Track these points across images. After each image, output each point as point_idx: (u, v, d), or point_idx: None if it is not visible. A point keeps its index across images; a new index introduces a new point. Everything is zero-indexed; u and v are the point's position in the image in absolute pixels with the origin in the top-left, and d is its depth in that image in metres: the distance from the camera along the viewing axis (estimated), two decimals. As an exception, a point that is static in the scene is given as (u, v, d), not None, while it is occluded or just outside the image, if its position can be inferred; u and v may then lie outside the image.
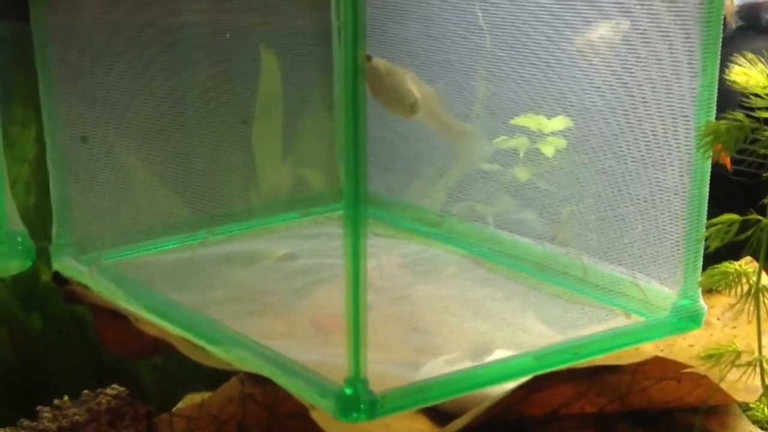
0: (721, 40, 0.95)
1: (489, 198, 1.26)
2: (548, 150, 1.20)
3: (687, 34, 0.99)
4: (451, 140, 1.22)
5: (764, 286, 0.83)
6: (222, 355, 0.92)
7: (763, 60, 0.93)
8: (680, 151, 0.98)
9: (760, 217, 0.81)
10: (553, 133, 1.19)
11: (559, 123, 1.18)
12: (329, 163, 1.39)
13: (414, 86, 1.15)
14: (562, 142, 1.18)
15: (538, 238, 1.15)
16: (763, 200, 0.93)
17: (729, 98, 1.41)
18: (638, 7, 1.05)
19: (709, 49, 0.94)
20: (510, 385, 0.94)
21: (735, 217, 0.80)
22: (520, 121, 1.21)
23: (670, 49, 1.01)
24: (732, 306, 0.91)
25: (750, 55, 0.94)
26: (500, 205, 1.26)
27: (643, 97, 1.04)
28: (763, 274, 1.01)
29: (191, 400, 1.13)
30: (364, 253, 0.84)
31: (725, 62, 0.99)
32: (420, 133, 1.31)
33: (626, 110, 1.06)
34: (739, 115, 0.83)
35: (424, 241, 1.27)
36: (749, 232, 0.80)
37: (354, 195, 0.83)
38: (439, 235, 1.28)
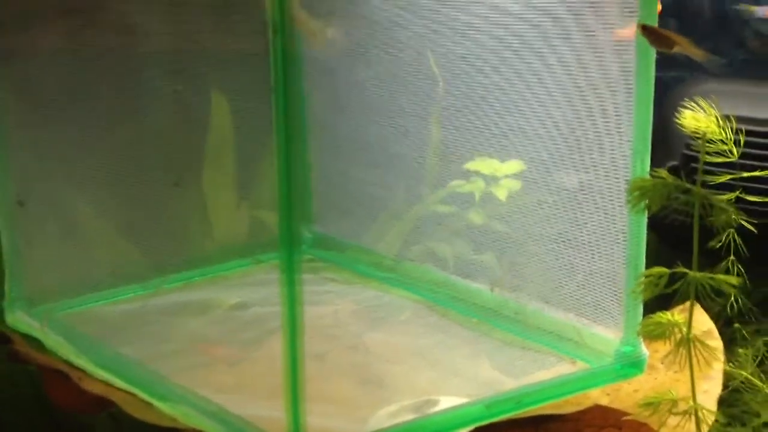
0: (653, 91, 0.98)
1: (444, 241, 1.28)
2: (501, 193, 1.22)
3: (627, 85, 1.01)
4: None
5: (695, 336, 0.85)
6: (168, 411, 0.93)
7: (712, 104, 0.95)
8: (620, 202, 1.00)
9: (686, 270, 0.82)
10: (506, 176, 1.21)
11: (513, 167, 1.20)
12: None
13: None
14: (517, 185, 1.20)
15: (489, 284, 1.17)
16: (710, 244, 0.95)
17: (678, 139, 1.45)
18: (587, 55, 1.07)
19: (642, 100, 0.96)
20: (458, 435, 0.96)
21: (663, 270, 0.82)
22: (474, 165, 1.23)
23: (613, 100, 1.04)
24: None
25: (700, 101, 0.96)
26: (455, 248, 1.27)
27: (587, 147, 1.07)
28: (698, 321, 1.03)
29: (145, 452, 1.13)
30: (301, 300, 0.84)
31: (677, 104, 1.01)
32: (377, 177, 1.33)
33: (570, 159, 1.08)
34: (663, 172, 0.85)
35: (378, 287, 1.28)
36: (677, 285, 0.82)
37: (287, 238, 0.82)
38: (394, 279, 1.29)
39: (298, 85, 1.33)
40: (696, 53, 0.94)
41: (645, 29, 0.94)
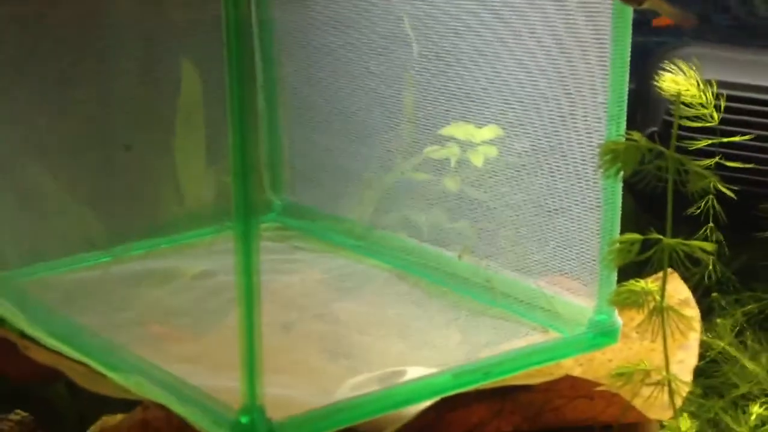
0: (629, 54, 0.94)
1: (417, 209, 1.24)
2: (477, 159, 1.19)
3: (602, 49, 0.98)
4: None
5: (669, 306, 0.82)
6: (121, 381, 0.89)
7: (693, 66, 0.91)
8: (594, 167, 0.96)
9: (660, 237, 0.79)
10: (482, 143, 1.18)
11: (489, 132, 1.17)
12: (255, 173, 1.37)
13: None
14: (493, 151, 1.17)
15: (460, 250, 1.14)
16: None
17: (659, 105, 1.41)
18: (560, 19, 1.04)
19: (618, 64, 0.93)
20: (425, 404, 0.93)
21: (636, 236, 0.79)
22: (449, 130, 1.19)
23: (586, 63, 1.00)
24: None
25: (680, 63, 0.93)
26: (428, 216, 1.24)
27: (561, 111, 1.03)
28: (675, 289, 1.00)
29: (105, 422, 1.10)
30: (257, 270, 0.80)
31: (658, 69, 0.98)
32: (349, 144, 1.29)
33: (544, 123, 1.05)
34: (636, 134, 0.81)
35: (349, 255, 1.25)
36: (650, 252, 0.79)
37: (243, 207, 0.79)
38: (365, 248, 1.26)
39: (263, 49, 1.31)
40: (666, 10, 0.91)
41: None
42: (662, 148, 0.79)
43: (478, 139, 1.17)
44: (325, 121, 1.32)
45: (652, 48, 1.44)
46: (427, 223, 1.23)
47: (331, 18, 1.26)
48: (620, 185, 0.94)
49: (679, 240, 0.79)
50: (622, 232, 1.00)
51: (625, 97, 0.97)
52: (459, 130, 1.18)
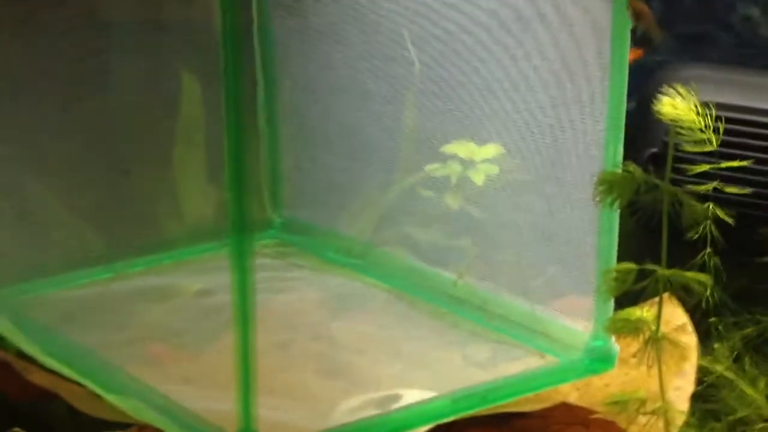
0: (626, 78, 0.94)
1: (417, 228, 1.25)
2: (478, 178, 1.19)
3: (603, 77, 0.98)
4: None
5: (665, 335, 0.82)
6: (118, 404, 0.89)
7: (691, 90, 0.92)
8: (591, 194, 0.96)
9: (656, 267, 0.79)
10: (484, 161, 1.18)
11: (491, 150, 1.17)
12: (257, 190, 1.37)
13: None
14: (494, 169, 1.17)
15: (455, 274, 1.14)
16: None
17: (659, 126, 1.41)
18: (562, 39, 1.04)
19: (615, 89, 0.93)
20: (422, 430, 0.93)
21: (631, 266, 0.79)
22: (450, 148, 1.19)
23: (588, 87, 1.00)
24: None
25: (678, 87, 0.93)
26: (428, 235, 1.24)
27: (562, 136, 1.03)
28: (671, 315, 1.00)
29: (101, 441, 1.10)
30: (253, 289, 0.80)
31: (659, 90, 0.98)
32: (349, 162, 1.30)
33: (546, 149, 1.05)
34: (632, 165, 0.81)
35: (347, 274, 1.25)
36: (645, 283, 0.79)
37: (239, 222, 0.78)
38: (363, 266, 1.26)
39: (264, 66, 1.31)
40: (655, 32, 0.91)
41: None
42: (657, 181, 0.79)
43: (479, 157, 1.17)
44: (325, 138, 1.32)
45: (653, 67, 1.44)
46: (426, 241, 1.23)
47: (332, 36, 1.26)
48: (617, 213, 0.94)
49: (674, 270, 0.80)
50: (624, 251, 1.00)
51: (623, 122, 0.97)
52: (461, 147, 1.18)
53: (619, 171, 0.81)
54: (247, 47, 1.28)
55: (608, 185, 0.77)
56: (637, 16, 0.91)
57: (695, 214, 0.78)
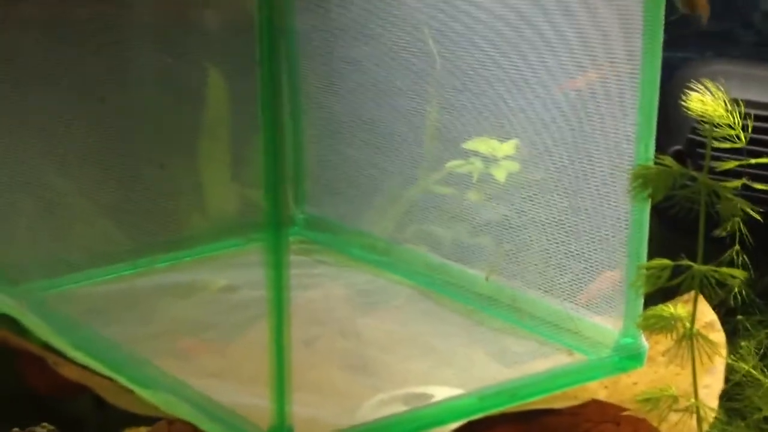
0: (659, 73, 0.94)
1: (440, 225, 1.24)
2: (500, 174, 1.18)
3: (632, 66, 0.97)
4: None
5: (698, 332, 0.81)
6: (149, 398, 0.89)
7: (720, 86, 0.91)
8: (622, 188, 0.96)
9: (691, 264, 0.79)
10: (505, 157, 1.18)
11: (512, 147, 1.16)
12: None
13: None
14: (515, 166, 1.16)
15: (484, 271, 1.13)
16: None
17: (684, 123, 1.41)
18: (590, 33, 1.03)
19: (647, 84, 0.92)
20: (451, 427, 0.92)
21: (667, 262, 0.79)
22: (472, 145, 1.19)
23: (618, 85, 1.00)
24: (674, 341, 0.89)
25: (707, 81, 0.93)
26: (452, 231, 1.24)
27: (590, 131, 1.03)
28: (700, 312, 1.00)
29: (126, 436, 1.10)
30: (288, 285, 0.80)
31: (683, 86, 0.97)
32: (372, 158, 1.29)
33: (572, 144, 1.05)
34: (668, 159, 0.81)
35: (372, 270, 1.25)
36: (681, 279, 0.79)
37: (275, 218, 0.78)
38: (387, 263, 1.26)
39: (287, 61, 1.31)
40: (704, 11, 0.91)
41: None
42: (695, 173, 0.79)
43: (500, 153, 1.17)
44: (348, 134, 1.31)
45: (676, 63, 1.43)
46: (449, 238, 1.23)
47: (355, 31, 1.26)
48: (647, 208, 0.94)
49: (710, 267, 0.79)
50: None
51: (655, 118, 0.96)
52: (482, 144, 1.18)
53: (654, 165, 0.80)
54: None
55: (643, 179, 0.77)
56: (692, 6, 0.91)
57: (733, 209, 0.77)
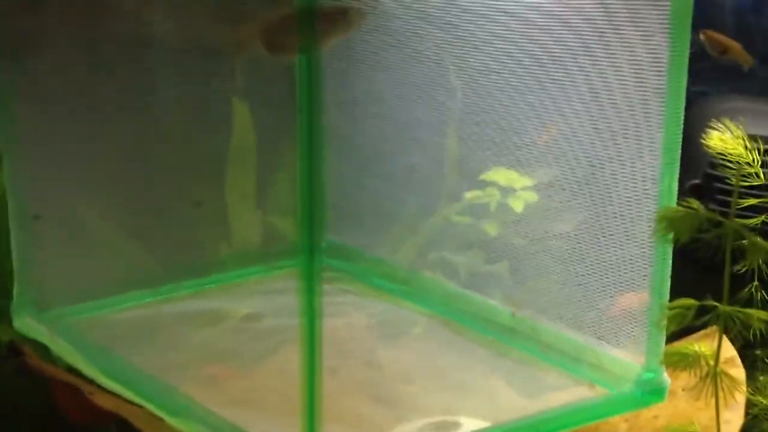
0: (682, 114, 0.95)
1: (460, 255, 1.25)
2: (517, 205, 1.20)
3: (656, 107, 0.99)
4: None
5: (722, 370, 0.83)
6: (180, 426, 0.91)
7: (739, 125, 0.93)
8: (644, 226, 0.98)
9: (716, 304, 0.80)
10: (523, 188, 1.19)
11: (530, 178, 1.17)
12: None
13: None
14: (533, 197, 1.18)
15: (509, 306, 1.15)
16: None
17: (701, 158, 1.42)
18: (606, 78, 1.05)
19: (671, 122, 0.94)
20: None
21: (692, 302, 0.80)
22: (490, 175, 1.20)
23: (641, 120, 1.01)
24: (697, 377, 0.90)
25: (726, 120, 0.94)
26: (471, 262, 1.25)
27: (611, 167, 1.04)
28: (722, 349, 1.01)
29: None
30: (320, 312, 0.81)
31: (699, 121, 0.99)
32: (392, 188, 1.31)
33: (593, 178, 1.06)
34: (694, 203, 0.82)
35: (392, 299, 1.26)
36: (706, 318, 0.80)
37: (308, 245, 0.80)
38: (407, 292, 1.27)
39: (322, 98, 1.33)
40: (746, 60, 0.92)
41: (704, 34, 0.93)
42: (721, 218, 0.80)
43: (518, 185, 1.18)
44: (369, 163, 1.33)
45: (692, 98, 1.45)
46: (467, 268, 1.24)
47: (375, 62, 1.28)
48: (671, 246, 0.95)
49: (735, 308, 0.80)
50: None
51: (678, 156, 0.98)
52: (500, 175, 1.19)
53: (679, 208, 0.82)
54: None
55: (669, 222, 0.78)
56: (723, 50, 0.92)
57: (759, 252, 0.79)
